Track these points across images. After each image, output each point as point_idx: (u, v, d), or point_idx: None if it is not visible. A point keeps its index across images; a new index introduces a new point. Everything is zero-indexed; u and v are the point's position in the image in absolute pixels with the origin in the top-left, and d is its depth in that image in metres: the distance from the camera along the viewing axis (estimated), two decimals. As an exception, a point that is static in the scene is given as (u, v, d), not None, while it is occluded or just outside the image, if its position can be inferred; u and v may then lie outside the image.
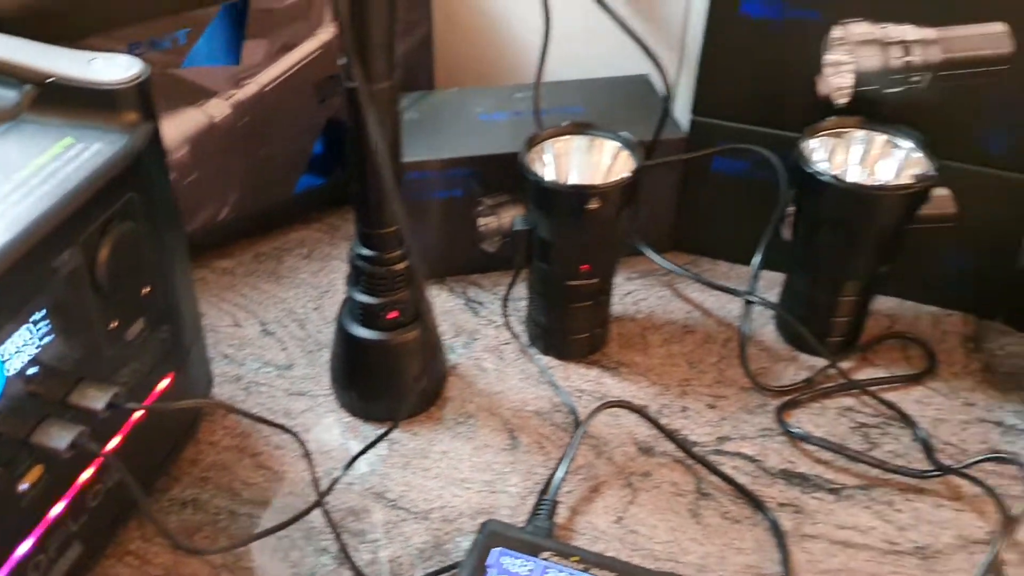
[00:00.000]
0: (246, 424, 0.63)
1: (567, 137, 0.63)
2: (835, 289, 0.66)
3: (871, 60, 0.64)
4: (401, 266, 0.58)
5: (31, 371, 0.44)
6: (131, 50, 0.62)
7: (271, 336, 0.70)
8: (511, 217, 0.71)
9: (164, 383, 0.55)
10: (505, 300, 0.70)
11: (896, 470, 0.61)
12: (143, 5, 0.61)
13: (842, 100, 0.66)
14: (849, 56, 0.64)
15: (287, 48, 0.69)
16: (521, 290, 0.73)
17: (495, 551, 0.51)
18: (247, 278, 0.74)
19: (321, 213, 0.80)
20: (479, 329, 0.71)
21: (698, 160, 0.72)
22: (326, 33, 0.71)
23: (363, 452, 0.59)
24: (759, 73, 0.67)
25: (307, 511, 0.54)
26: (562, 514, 0.58)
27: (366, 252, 0.57)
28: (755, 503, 0.59)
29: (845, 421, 0.64)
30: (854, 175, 0.63)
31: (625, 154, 0.62)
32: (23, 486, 0.45)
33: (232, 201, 0.73)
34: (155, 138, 0.50)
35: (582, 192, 0.59)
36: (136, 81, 0.49)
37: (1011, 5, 0.60)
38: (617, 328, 0.71)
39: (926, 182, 0.60)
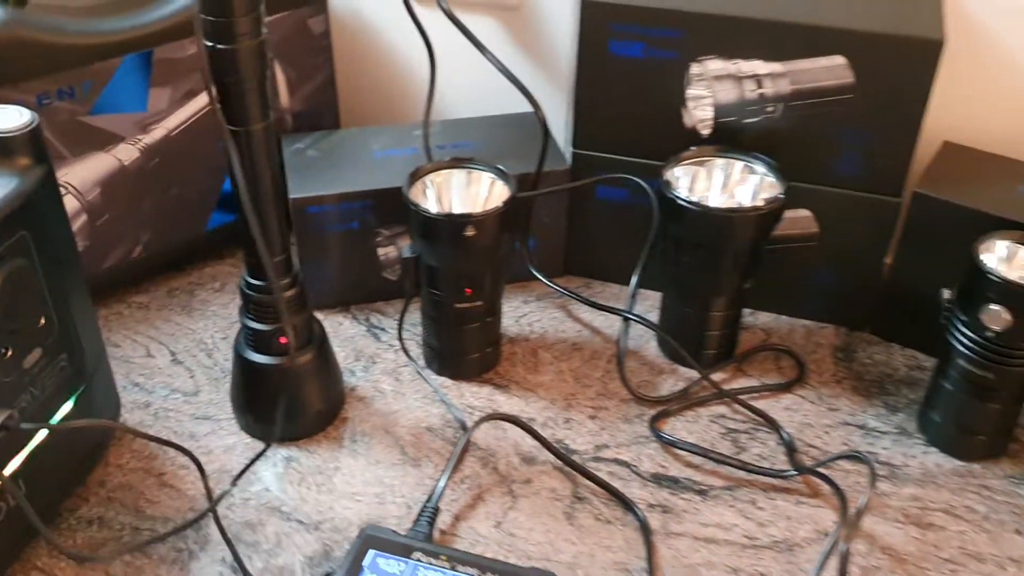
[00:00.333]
0: (153, 447, 0.67)
1: (447, 171, 0.68)
2: (704, 305, 0.71)
3: (728, 94, 0.70)
4: (290, 293, 0.62)
5: (-76, 396, 0.48)
6: (39, 101, 0.67)
7: (180, 365, 0.74)
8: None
9: (65, 408, 0.59)
10: (400, 325, 0.74)
11: (760, 471, 0.65)
12: (46, 61, 0.66)
13: (706, 131, 0.72)
14: (708, 91, 0.70)
15: (191, 94, 0.74)
16: (418, 315, 0.77)
17: (371, 553, 0.55)
18: (160, 311, 0.79)
19: (234, 248, 0.84)
20: (379, 353, 0.75)
21: (583, 190, 0.78)
22: (229, 80, 0.76)
23: (244, 471, 0.63)
24: (629, 108, 0.73)
25: (196, 520, 0.58)
26: (446, 520, 0.62)
27: (254, 281, 0.61)
28: (626, 505, 0.63)
29: (716, 428, 0.69)
30: (715, 200, 0.69)
31: (500, 184, 0.67)
32: (-82, 503, 0.49)
33: (145, 240, 0.77)
34: (48, 180, 0.55)
35: (458, 221, 0.64)
36: (27, 129, 0.53)
37: (846, 40, 0.66)
38: (510, 348, 0.76)
39: (773, 204, 0.65)
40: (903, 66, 0.65)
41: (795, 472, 0.65)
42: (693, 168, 0.70)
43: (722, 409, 0.71)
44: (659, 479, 0.65)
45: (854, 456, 0.66)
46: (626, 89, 0.72)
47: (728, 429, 0.69)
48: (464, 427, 0.68)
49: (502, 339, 0.75)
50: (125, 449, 0.66)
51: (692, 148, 0.70)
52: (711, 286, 0.70)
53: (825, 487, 0.65)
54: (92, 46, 0.68)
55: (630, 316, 0.74)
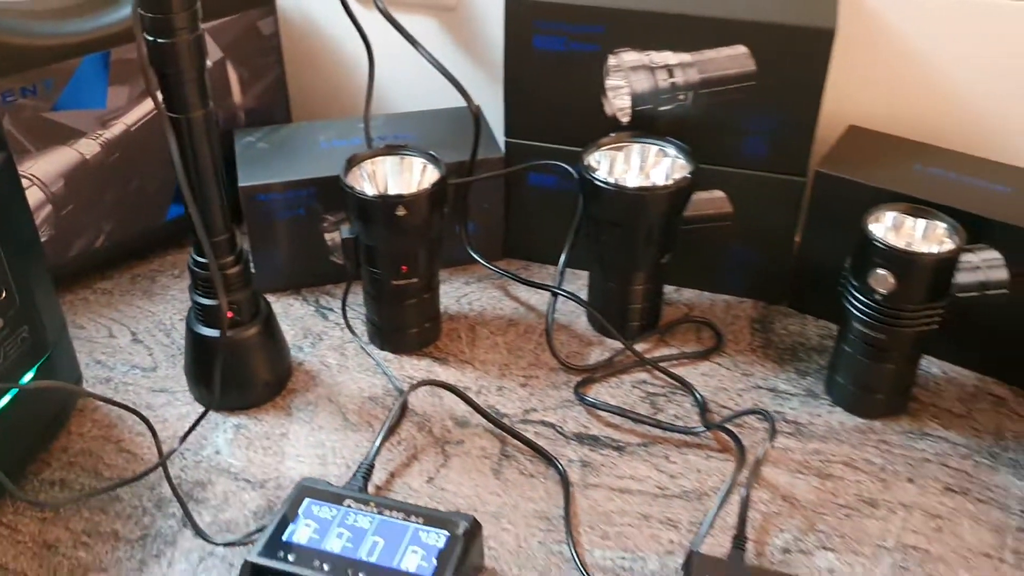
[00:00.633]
0: (112, 417, 0.72)
1: (381, 158, 0.74)
2: (625, 280, 0.76)
3: (642, 83, 0.75)
4: (233, 271, 0.67)
5: None
6: (3, 98, 0.72)
7: (140, 344, 0.79)
8: (352, 231, 0.81)
9: (27, 377, 0.64)
10: (343, 303, 0.80)
11: (673, 429, 0.71)
12: (10, 61, 0.71)
13: (625, 119, 0.77)
14: (624, 81, 0.76)
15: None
16: (362, 295, 0.82)
17: (306, 501, 0.60)
18: (123, 296, 0.84)
19: (191, 238, 0.89)
20: (326, 331, 0.80)
21: (517, 177, 0.83)
22: (184, 78, 0.81)
23: (191, 430, 0.68)
24: (555, 99, 0.78)
25: (147, 472, 0.64)
26: (382, 477, 0.67)
27: (200, 259, 0.66)
28: (548, 460, 0.68)
29: (637, 392, 0.74)
30: (632, 181, 0.74)
31: (431, 168, 0.73)
32: None
33: (107, 230, 0.83)
34: (7, 166, 0.60)
35: (390, 201, 0.69)
36: (-14, 118, 0.59)
37: (747, 31, 0.71)
38: (450, 325, 0.81)
39: (681, 183, 0.71)
40: (799, 54, 0.71)
41: (704, 429, 0.70)
42: (612, 153, 0.76)
43: (643, 376, 0.76)
44: (581, 438, 0.70)
45: (757, 412, 0.71)
46: (551, 81, 0.78)
47: (647, 393, 0.74)
48: (401, 393, 0.73)
49: (442, 316, 0.80)
50: (86, 419, 0.72)
51: (611, 135, 0.76)
52: (630, 261, 0.75)
53: (734, 446, 0.70)
54: (53, 47, 0.73)
55: (558, 291, 0.80)
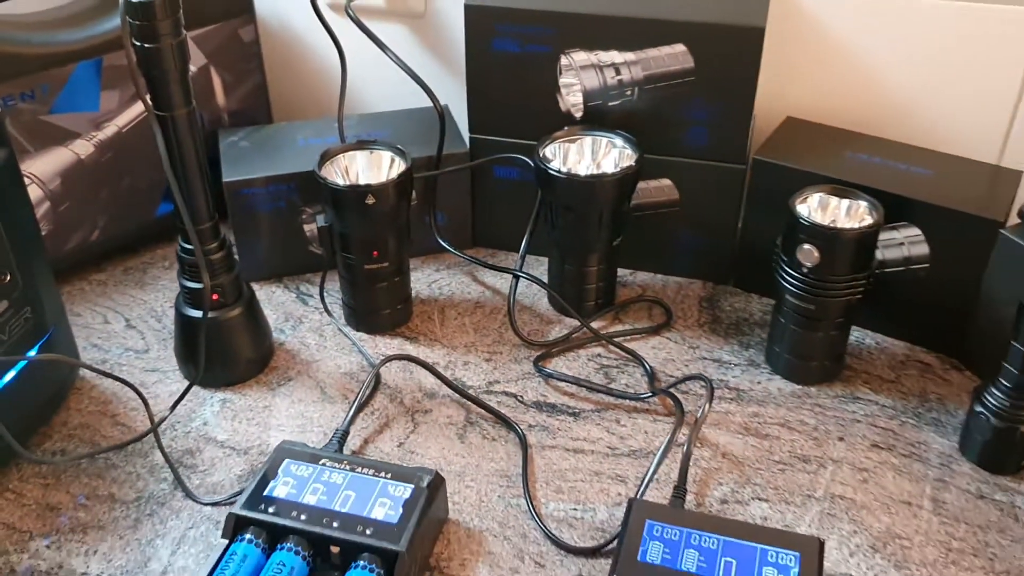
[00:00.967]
0: (110, 392, 0.78)
1: (352, 152, 0.80)
2: (581, 262, 0.82)
3: (592, 80, 0.82)
4: (217, 256, 0.73)
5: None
6: (4, 102, 0.78)
7: (133, 329, 0.85)
8: (329, 222, 0.87)
9: (30, 355, 0.70)
10: (321, 288, 0.86)
11: (624, 395, 0.77)
12: (9, 68, 0.78)
13: (578, 114, 0.84)
14: (576, 79, 0.82)
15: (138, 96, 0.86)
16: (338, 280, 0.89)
17: (286, 461, 0.66)
18: (117, 287, 0.90)
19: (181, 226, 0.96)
20: (305, 315, 0.86)
21: (482, 171, 0.90)
22: (170, 83, 0.88)
23: (181, 398, 0.75)
24: (513, 96, 0.85)
25: (140, 437, 0.70)
26: (356, 443, 0.73)
27: (187, 246, 0.73)
28: (509, 425, 0.74)
29: (592, 364, 0.81)
30: (584, 170, 0.81)
31: (399, 161, 0.79)
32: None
33: (102, 225, 0.89)
34: (9, 161, 0.66)
35: (360, 190, 0.76)
36: (-9, 118, 0.65)
37: (685, 30, 0.78)
38: (421, 307, 0.87)
39: (626, 170, 0.77)
40: (733, 51, 0.78)
41: (651, 394, 0.76)
42: (566, 145, 0.82)
43: (598, 350, 0.82)
44: (539, 405, 0.77)
45: (699, 377, 0.78)
46: (510, 80, 0.84)
47: (601, 365, 0.81)
48: (373, 366, 0.79)
49: (413, 300, 0.86)
50: (84, 396, 0.78)
51: (565, 128, 0.82)
52: (584, 244, 0.81)
53: (675, 404, 0.76)
54: (50, 54, 0.80)
55: (519, 274, 0.86)
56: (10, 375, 0.68)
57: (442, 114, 0.85)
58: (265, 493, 0.64)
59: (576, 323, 0.85)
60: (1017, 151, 0.85)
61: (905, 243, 0.78)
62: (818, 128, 0.86)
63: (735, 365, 0.81)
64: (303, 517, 0.62)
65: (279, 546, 0.61)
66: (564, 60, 0.81)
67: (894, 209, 0.75)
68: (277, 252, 0.88)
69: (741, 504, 0.68)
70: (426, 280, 0.90)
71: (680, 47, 0.79)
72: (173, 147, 0.67)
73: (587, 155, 0.82)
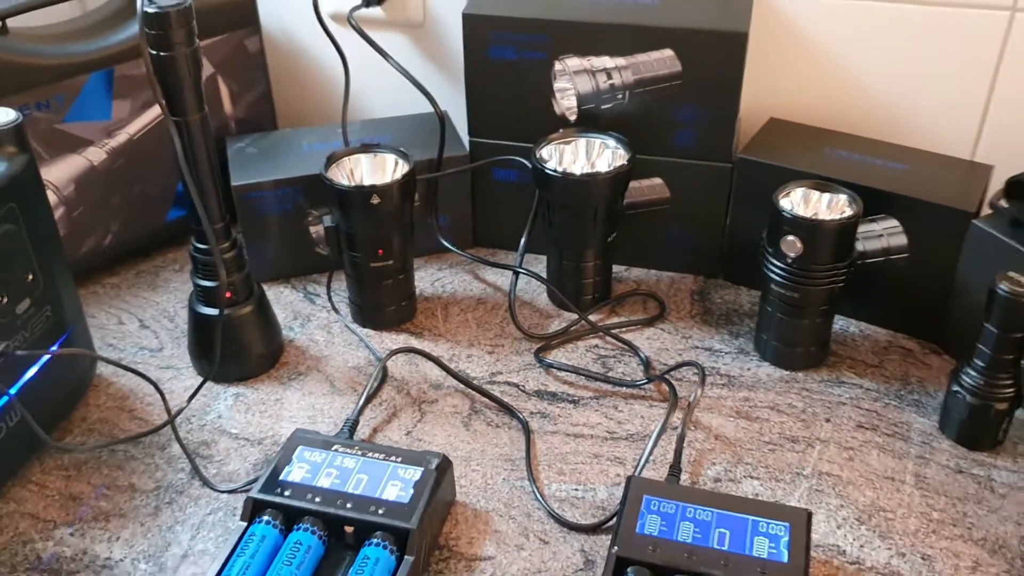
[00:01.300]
0: (127, 389, 0.81)
1: (357, 155, 0.84)
2: (578, 257, 0.86)
3: (585, 85, 0.86)
4: (229, 255, 0.77)
5: (-57, 328, 0.62)
6: (21, 111, 0.81)
7: (147, 329, 0.88)
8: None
9: (51, 349, 0.73)
10: (328, 287, 0.89)
11: (621, 383, 0.81)
12: (25, 79, 0.81)
13: (573, 117, 0.88)
14: (569, 84, 0.86)
15: (149, 104, 0.90)
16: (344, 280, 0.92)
17: (300, 447, 0.69)
18: (130, 289, 0.93)
19: (189, 238, 0.99)
20: (313, 313, 0.90)
21: (482, 173, 0.93)
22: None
23: (197, 391, 0.78)
24: (510, 101, 0.89)
25: (159, 427, 0.73)
26: (365, 432, 0.77)
27: (200, 246, 0.76)
28: (511, 413, 0.78)
29: (590, 355, 0.84)
30: (579, 170, 0.84)
31: (402, 163, 0.83)
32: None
33: (114, 230, 0.92)
34: (30, 166, 0.69)
35: (365, 191, 0.79)
36: (13, 125, 0.68)
37: (672, 36, 0.82)
38: (425, 304, 0.91)
39: (619, 169, 0.81)
40: (718, 54, 0.82)
41: (647, 381, 0.80)
42: (561, 146, 0.86)
43: (596, 342, 0.86)
44: (540, 394, 0.80)
45: (691, 364, 0.81)
46: (506, 86, 0.88)
47: (599, 355, 0.84)
48: (380, 360, 0.83)
49: (417, 298, 0.90)
50: (101, 392, 0.81)
51: (560, 131, 0.86)
52: (581, 240, 0.85)
53: (668, 389, 0.80)
54: (63, 65, 0.83)
55: (519, 270, 0.90)
56: (32, 371, 0.71)
57: (442, 118, 0.89)
58: (281, 478, 0.67)
59: (574, 316, 0.88)
60: (988, 146, 0.89)
61: (884, 235, 0.81)
62: (800, 128, 0.90)
63: (726, 353, 0.84)
64: (318, 499, 0.65)
65: (295, 527, 0.64)
66: (558, 66, 0.85)
67: (873, 202, 0.79)
68: (284, 253, 0.92)
69: (733, 482, 0.72)
70: (429, 279, 0.94)
71: (668, 52, 0.83)
72: (188, 151, 0.71)
73: (582, 156, 0.86)
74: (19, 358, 0.68)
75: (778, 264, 0.78)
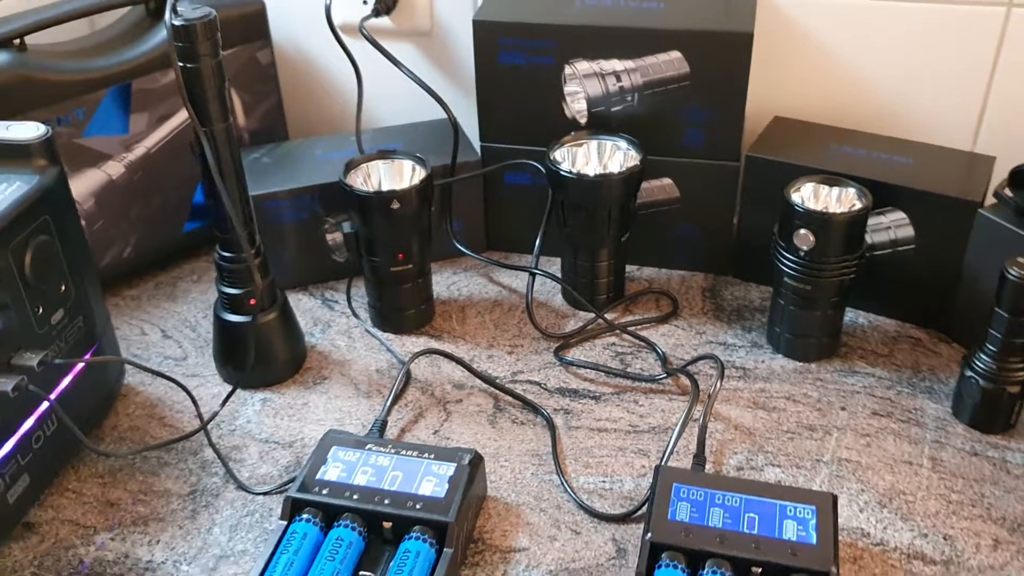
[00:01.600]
0: (155, 397, 0.82)
1: (375, 162, 0.85)
2: (592, 257, 0.88)
3: (595, 88, 0.88)
4: (256, 262, 0.78)
5: (-17, 338, 0.63)
6: (43, 127, 0.83)
7: (170, 339, 0.89)
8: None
9: (86, 358, 0.74)
10: (348, 292, 0.91)
11: (640, 378, 0.82)
12: (46, 95, 0.83)
13: (583, 120, 0.90)
14: (579, 87, 0.88)
15: (165, 117, 0.91)
16: (363, 287, 0.93)
17: (333, 447, 0.71)
18: (150, 300, 0.94)
19: (205, 249, 1.01)
20: (333, 319, 0.91)
21: (494, 177, 0.95)
22: (195, 105, 0.93)
23: (229, 395, 0.80)
24: (521, 106, 0.91)
25: (193, 433, 0.75)
26: (393, 433, 0.78)
27: (225, 254, 0.77)
28: (535, 410, 0.79)
29: (608, 352, 0.86)
30: (592, 171, 0.86)
31: (419, 168, 0.85)
32: (-18, 424, 0.64)
33: (133, 242, 0.93)
34: (60, 178, 0.71)
35: (385, 196, 0.81)
36: (43, 138, 0.69)
37: (679, 38, 0.84)
38: (443, 308, 0.92)
39: (632, 169, 0.83)
40: (725, 55, 0.84)
41: (666, 375, 0.82)
42: (574, 149, 0.88)
43: (613, 339, 0.88)
44: (562, 391, 0.82)
45: (709, 357, 0.83)
46: (517, 91, 0.90)
47: (617, 352, 0.86)
48: (404, 364, 0.84)
49: (435, 301, 0.91)
50: (130, 401, 0.82)
51: (572, 133, 0.88)
52: (596, 240, 0.87)
53: (690, 385, 0.81)
54: (83, 81, 0.85)
55: (535, 271, 0.91)
56: (66, 381, 0.73)
57: (455, 124, 0.90)
58: (318, 477, 0.68)
59: (590, 315, 0.90)
60: (989, 138, 0.92)
61: (891, 227, 0.84)
62: (804, 125, 0.92)
63: (739, 347, 0.86)
64: (355, 497, 0.66)
65: (336, 524, 0.65)
66: (568, 70, 0.87)
67: (879, 196, 0.81)
68: (301, 261, 0.93)
69: (755, 470, 0.74)
70: (444, 283, 0.95)
71: (676, 54, 0.85)
72: (210, 159, 0.72)
73: (594, 158, 0.88)
74: (58, 367, 0.69)
75: (791, 257, 0.80)
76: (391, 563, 0.63)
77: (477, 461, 0.69)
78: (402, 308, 0.88)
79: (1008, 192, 0.79)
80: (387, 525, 0.66)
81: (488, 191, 0.96)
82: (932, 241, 0.83)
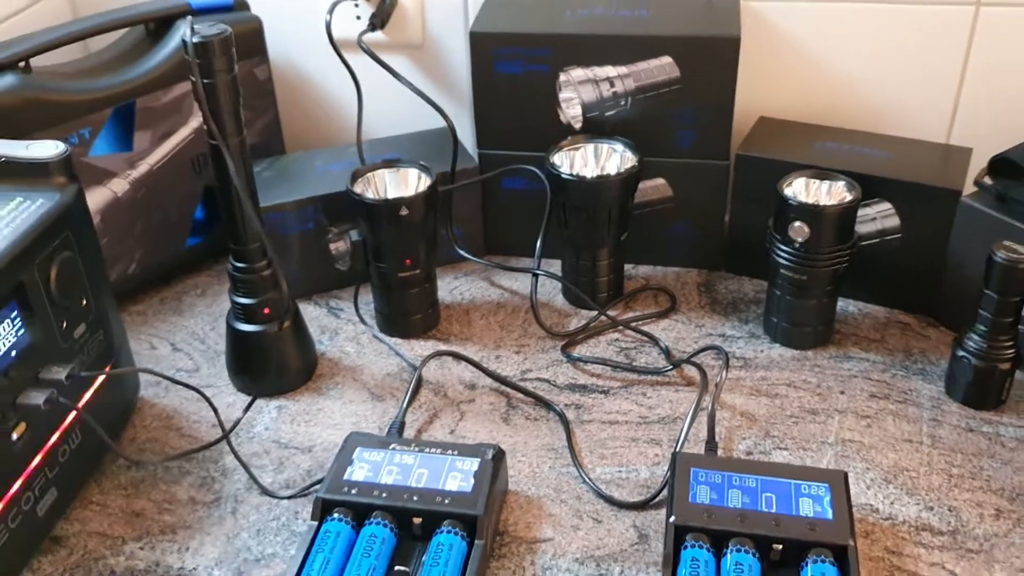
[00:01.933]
0: (171, 409, 0.83)
1: (380, 170, 0.87)
2: (592, 256, 0.91)
3: (589, 94, 0.91)
4: (267, 273, 0.80)
5: (12, 353, 0.64)
6: (50, 147, 0.84)
7: (180, 351, 0.90)
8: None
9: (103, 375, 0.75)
10: (355, 299, 0.92)
11: (646, 371, 0.85)
12: (53, 115, 0.84)
13: (578, 125, 0.93)
14: (574, 93, 0.91)
15: (167, 135, 0.92)
16: (370, 295, 0.95)
17: (357, 448, 0.72)
18: (156, 315, 0.95)
19: (207, 264, 1.02)
20: (340, 327, 0.93)
21: (492, 183, 0.97)
22: (195, 121, 0.94)
23: (251, 403, 0.82)
24: (518, 113, 0.93)
25: (216, 442, 0.76)
26: (410, 434, 0.80)
27: (239, 264, 0.79)
28: (547, 406, 0.82)
29: (612, 348, 0.89)
30: (591, 174, 0.89)
31: (424, 176, 0.87)
32: (14, 436, 0.65)
33: (138, 258, 0.94)
34: (79, 194, 0.72)
35: (393, 203, 0.83)
36: (62, 156, 0.70)
37: (669, 44, 0.87)
38: (447, 312, 0.94)
39: (629, 171, 0.86)
40: (713, 59, 0.87)
41: (671, 367, 0.85)
42: (571, 153, 0.91)
43: (616, 335, 0.90)
44: (572, 387, 0.84)
45: (712, 348, 0.86)
46: (514, 98, 0.92)
47: (621, 348, 0.89)
48: (415, 369, 0.86)
49: (440, 305, 0.93)
50: (147, 414, 0.83)
51: (569, 138, 0.91)
52: (596, 240, 0.90)
53: (696, 376, 0.84)
54: (89, 100, 0.86)
55: (537, 272, 0.94)
56: (88, 394, 0.73)
57: (454, 131, 0.93)
58: (345, 477, 0.70)
59: (592, 313, 0.93)
60: (962, 131, 0.96)
61: (878, 217, 0.88)
62: (788, 124, 0.96)
63: (738, 338, 0.89)
64: (384, 495, 0.68)
65: (367, 522, 0.67)
66: (563, 77, 0.90)
67: (865, 188, 0.85)
68: (306, 271, 0.94)
69: (764, 454, 0.77)
70: (447, 288, 0.97)
71: (667, 59, 0.88)
72: (232, 171, 0.74)
73: (591, 161, 0.91)
74: (82, 380, 0.70)
75: (786, 249, 0.83)
76: (424, 557, 0.65)
77: (500, 456, 0.71)
78: (409, 313, 0.89)
79: (988, 180, 0.83)
80: (416, 521, 0.67)
81: (486, 197, 0.99)
82: (917, 230, 0.87)
